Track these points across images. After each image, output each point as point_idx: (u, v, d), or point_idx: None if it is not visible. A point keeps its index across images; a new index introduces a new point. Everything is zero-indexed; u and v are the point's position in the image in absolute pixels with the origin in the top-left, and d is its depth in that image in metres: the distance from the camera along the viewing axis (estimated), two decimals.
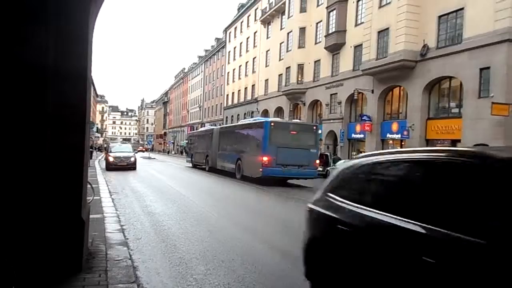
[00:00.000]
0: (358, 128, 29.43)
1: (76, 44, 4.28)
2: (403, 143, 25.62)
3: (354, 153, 30.71)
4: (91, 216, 5.88)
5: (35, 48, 4.01)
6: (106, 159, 25.04)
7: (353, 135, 30.41)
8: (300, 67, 36.87)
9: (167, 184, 16.70)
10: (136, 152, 29.47)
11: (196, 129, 50.55)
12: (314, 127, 20.05)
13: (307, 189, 17.01)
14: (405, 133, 24.14)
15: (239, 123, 26.31)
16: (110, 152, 25.24)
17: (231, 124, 32.57)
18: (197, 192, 14.55)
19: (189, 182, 18.90)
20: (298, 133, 18.74)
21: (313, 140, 19.05)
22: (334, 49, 32.09)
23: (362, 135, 28.98)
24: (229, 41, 60.64)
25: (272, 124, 18.57)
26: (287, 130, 18.87)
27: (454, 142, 22.17)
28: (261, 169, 17.79)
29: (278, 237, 7.54)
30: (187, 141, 41.70)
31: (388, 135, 26.70)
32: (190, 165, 32.42)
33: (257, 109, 47.19)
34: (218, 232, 7.57)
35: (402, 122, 25.17)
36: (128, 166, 23.57)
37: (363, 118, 27.79)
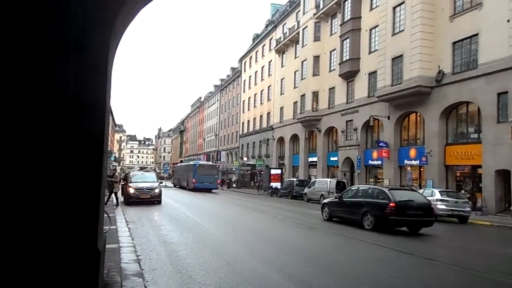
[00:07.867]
0: (375, 154, 29.11)
1: (96, 75, 4.39)
2: (421, 169, 25.15)
3: (372, 180, 30.27)
4: (107, 246, 5.86)
5: (57, 79, 4.13)
6: (126, 191, 20.91)
7: (370, 162, 30.04)
8: (315, 94, 37.09)
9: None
10: (161, 183, 25.90)
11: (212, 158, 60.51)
12: (216, 165, 46.67)
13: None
14: (424, 159, 23.73)
15: (190, 163, 46.26)
16: (131, 182, 21.15)
17: (187, 163, 50.39)
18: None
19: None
20: (209, 169, 39.67)
21: (216, 172, 41.38)
22: (349, 76, 32.26)
23: (379, 162, 28.60)
24: (244, 70, 61.66)
25: (197, 165, 39.39)
26: (204, 167, 39.51)
27: (475, 168, 21.68)
28: (193, 185, 37.13)
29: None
30: (173, 170, 63.98)
31: (406, 162, 26.28)
32: (173, 185, 50.09)
33: (272, 136, 47.35)
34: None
35: (420, 148, 24.81)
36: (152, 199, 20.49)
37: (379, 144, 27.51)
